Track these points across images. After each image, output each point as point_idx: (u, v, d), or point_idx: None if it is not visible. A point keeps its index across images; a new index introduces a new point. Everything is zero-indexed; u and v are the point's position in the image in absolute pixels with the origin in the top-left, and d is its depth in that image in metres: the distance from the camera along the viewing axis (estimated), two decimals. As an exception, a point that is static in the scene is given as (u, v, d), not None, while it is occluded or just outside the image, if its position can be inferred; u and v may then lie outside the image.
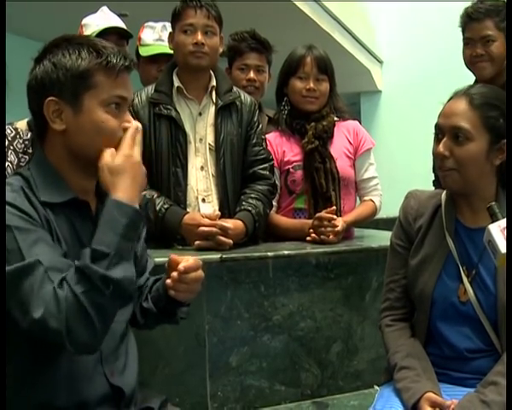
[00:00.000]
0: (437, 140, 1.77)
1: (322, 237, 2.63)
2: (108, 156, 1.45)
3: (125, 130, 1.51)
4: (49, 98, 1.47)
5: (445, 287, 1.78)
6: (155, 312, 1.71)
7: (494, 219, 1.57)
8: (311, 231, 2.67)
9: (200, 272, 1.61)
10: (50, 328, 1.31)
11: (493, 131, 1.72)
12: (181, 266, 1.56)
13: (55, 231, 1.45)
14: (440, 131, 1.76)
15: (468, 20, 2.87)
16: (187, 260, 1.59)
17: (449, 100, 1.81)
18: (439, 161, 1.76)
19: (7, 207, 1.38)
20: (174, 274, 1.58)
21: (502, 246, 1.52)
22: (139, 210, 1.43)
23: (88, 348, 1.39)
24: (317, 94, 2.85)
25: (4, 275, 1.34)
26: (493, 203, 1.60)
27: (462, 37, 2.95)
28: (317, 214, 2.67)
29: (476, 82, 2.89)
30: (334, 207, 2.69)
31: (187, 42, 2.60)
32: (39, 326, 1.31)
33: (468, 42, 2.89)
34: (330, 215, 2.65)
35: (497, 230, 1.54)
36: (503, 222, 1.54)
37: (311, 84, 2.83)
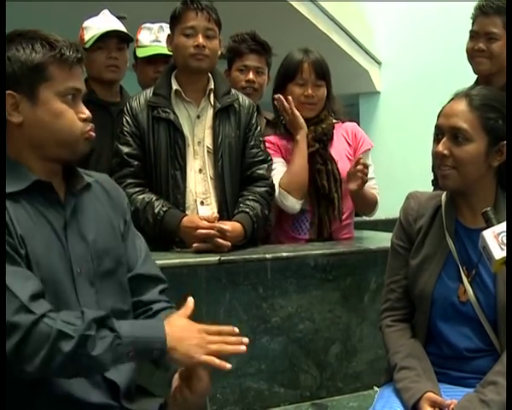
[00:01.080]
0: (436, 140, 1.78)
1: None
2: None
3: (82, 120, 1.54)
4: (6, 92, 1.48)
5: (444, 287, 1.79)
6: None
7: (489, 224, 1.57)
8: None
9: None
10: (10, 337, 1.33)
11: (492, 132, 1.72)
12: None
13: (13, 227, 1.44)
14: (440, 132, 1.77)
15: (479, 13, 2.85)
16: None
17: (449, 101, 1.82)
18: (438, 161, 1.76)
19: None
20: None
21: (496, 252, 1.52)
22: (164, 348, 1.43)
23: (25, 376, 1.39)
24: (315, 100, 2.86)
25: (4, 275, 1.34)
26: (488, 209, 1.60)
27: (461, 36, 2.96)
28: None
29: (476, 81, 2.89)
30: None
31: (188, 44, 2.60)
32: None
33: (473, 34, 2.87)
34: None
35: (491, 236, 1.54)
36: (497, 228, 1.54)
37: (310, 91, 2.83)
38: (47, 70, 1.50)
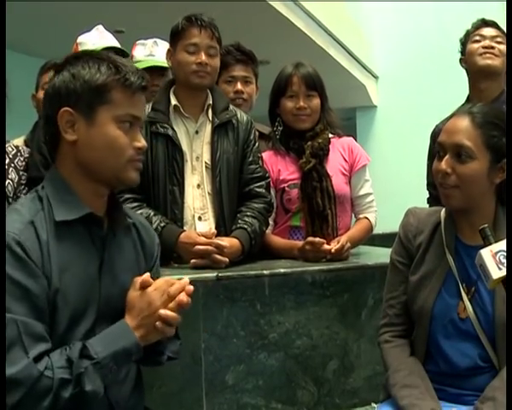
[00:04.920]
0: (438, 157, 1.79)
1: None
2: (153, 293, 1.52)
3: (136, 149, 1.54)
4: (64, 108, 1.48)
5: (444, 304, 1.79)
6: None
7: (486, 242, 1.57)
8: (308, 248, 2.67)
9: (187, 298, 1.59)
10: (11, 393, 1.33)
11: (495, 150, 1.74)
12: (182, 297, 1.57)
13: (49, 263, 1.44)
14: (442, 149, 1.77)
15: (480, 24, 2.98)
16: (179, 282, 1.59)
17: (450, 117, 1.83)
18: (440, 178, 1.77)
19: (10, 243, 1.38)
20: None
21: (494, 272, 1.52)
22: (140, 348, 1.48)
23: None
24: (308, 111, 2.85)
25: (4, 275, 1.34)
26: (486, 226, 1.60)
27: (458, 51, 3.03)
28: (309, 239, 2.67)
29: (468, 98, 2.92)
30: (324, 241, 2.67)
31: (190, 61, 2.61)
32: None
33: (477, 38, 2.95)
34: (322, 240, 2.64)
35: (489, 255, 1.54)
36: (495, 247, 1.55)
37: (301, 103, 2.83)
38: (109, 93, 1.49)
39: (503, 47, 2.89)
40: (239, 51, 3.18)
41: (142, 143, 1.55)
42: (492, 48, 2.89)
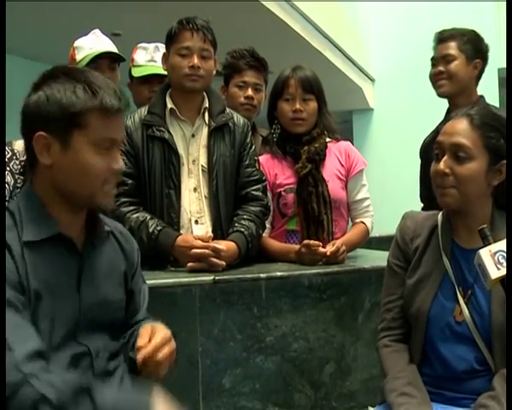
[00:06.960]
0: (436, 159, 1.79)
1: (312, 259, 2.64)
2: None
3: (112, 171, 1.51)
4: (39, 133, 1.46)
5: (441, 307, 1.80)
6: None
7: (485, 242, 1.58)
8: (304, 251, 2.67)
9: (170, 346, 1.57)
10: None
11: (493, 151, 1.74)
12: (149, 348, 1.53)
13: (26, 279, 1.41)
14: (440, 150, 1.78)
15: (436, 41, 3.05)
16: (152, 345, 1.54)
17: (447, 120, 1.83)
18: (438, 179, 1.77)
19: None
20: (139, 359, 1.53)
21: (492, 272, 1.53)
22: None
23: None
24: (304, 115, 2.85)
25: (4, 275, 1.33)
26: (485, 226, 1.61)
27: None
28: (305, 242, 2.67)
29: (448, 110, 2.96)
30: (320, 243, 2.67)
31: (182, 64, 2.61)
32: None
33: (433, 62, 3.05)
34: (318, 243, 2.64)
35: (488, 255, 1.55)
36: (493, 247, 1.56)
37: (298, 106, 2.83)
38: (85, 118, 1.46)
39: (454, 64, 2.94)
40: (253, 57, 3.18)
41: (119, 164, 1.53)
42: (442, 72, 2.98)
